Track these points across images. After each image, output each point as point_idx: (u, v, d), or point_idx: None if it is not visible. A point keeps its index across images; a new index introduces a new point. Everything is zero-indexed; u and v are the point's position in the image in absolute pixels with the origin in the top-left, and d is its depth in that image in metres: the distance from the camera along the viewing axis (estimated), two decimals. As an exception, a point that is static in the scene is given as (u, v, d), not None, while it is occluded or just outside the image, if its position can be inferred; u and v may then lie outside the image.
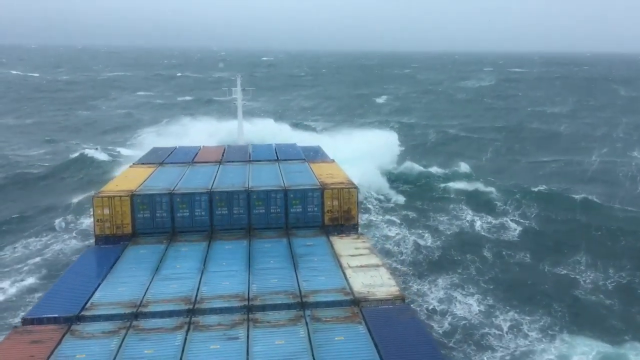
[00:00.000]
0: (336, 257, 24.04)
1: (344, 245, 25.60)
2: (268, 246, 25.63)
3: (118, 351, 16.30)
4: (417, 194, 56.89)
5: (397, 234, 45.36)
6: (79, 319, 18.41)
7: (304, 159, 36.74)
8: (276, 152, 39.16)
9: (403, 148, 70.43)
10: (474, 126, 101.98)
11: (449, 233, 46.66)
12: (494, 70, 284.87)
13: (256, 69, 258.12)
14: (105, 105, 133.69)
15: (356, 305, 19.30)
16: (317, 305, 19.30)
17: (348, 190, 28.76)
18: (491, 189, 56.97)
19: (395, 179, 60.77)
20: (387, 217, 49.41)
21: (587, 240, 44.45)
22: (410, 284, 36.86)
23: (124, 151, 71.33)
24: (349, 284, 20.96)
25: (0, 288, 35.73)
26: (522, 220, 49.37)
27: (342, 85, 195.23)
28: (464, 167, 65.12)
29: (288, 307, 19.25)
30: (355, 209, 28.71)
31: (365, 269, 22.48)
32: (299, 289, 20.52)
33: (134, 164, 35.65)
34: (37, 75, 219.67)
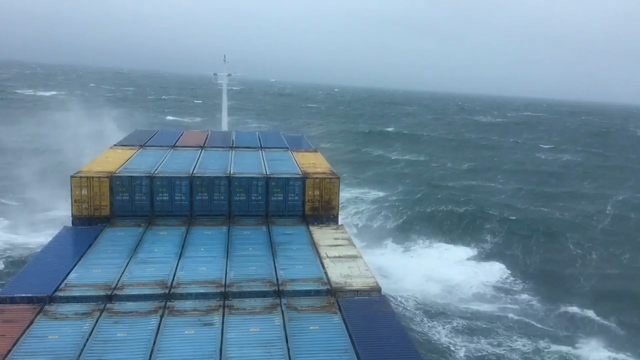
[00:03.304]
0: (315, 246, 24.04)
1: (323, 235, 25.61)
2: (247, 233, 25.54)
3: (91, 333, 16.12)
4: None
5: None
6: (53, 299, 18.15)
7: (287, 148, 36.55)
8: (260, 140, 38.88)
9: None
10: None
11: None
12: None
13: (273, 98, 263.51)
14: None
15: (332, 295, 19.28)
16: (294, 294, 19.26)
17: (330, 180, 28.69)
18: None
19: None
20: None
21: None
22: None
23: None
24: (326, 273, 20.95)
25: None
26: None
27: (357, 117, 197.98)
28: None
29: (264, 294, 19.18)
30: (337, 199, 28.65)
31: (343, 259, 22.51)
32: (276, 277, 20.47)
33: (115, 145, 35.26)
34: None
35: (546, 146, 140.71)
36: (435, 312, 38.50)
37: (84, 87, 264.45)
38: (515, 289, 44.65)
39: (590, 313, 40.27)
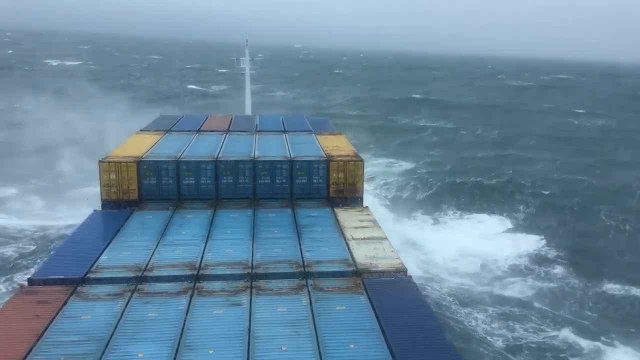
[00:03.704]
0: (340, 228, 24.09)
1: (348, 217, 25.59)
2: (272, 216, 25.72)
3: (123, 313, 16.57)
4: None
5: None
6: (85, 281, 18.70)
7: (311, 131, 36.66)
8: (283, 123, 39.05)
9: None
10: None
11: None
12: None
13: (298, 64, 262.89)
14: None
15: (358, 276, 19.41)
16: (320, 275, 19.42)
17: (354, 162, 28.63)
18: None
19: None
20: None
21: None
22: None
23: None
24: (351, 255, 21.04)
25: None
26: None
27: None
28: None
29: (291, 276, 19.43)
30: (361, 181, 28.59)
31: (368, 241, 22.50)
32: (302, 258, 20.64)
33: (141, 130, 35.79)
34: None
35: (580, 111, 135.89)
36: (468, 291, 37.42)
37: (110, 57, 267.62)
38: (550, 261, 43.17)
39: (634, 291, 38.39)
